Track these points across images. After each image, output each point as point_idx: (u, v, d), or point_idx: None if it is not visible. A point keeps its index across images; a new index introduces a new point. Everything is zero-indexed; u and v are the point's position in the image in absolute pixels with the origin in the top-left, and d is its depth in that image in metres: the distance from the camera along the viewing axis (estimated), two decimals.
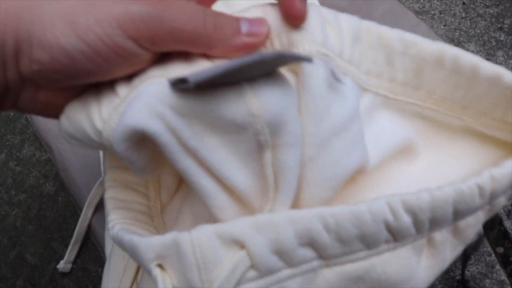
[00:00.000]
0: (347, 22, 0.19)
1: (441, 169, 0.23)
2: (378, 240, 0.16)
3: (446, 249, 0.21)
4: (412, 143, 0.23)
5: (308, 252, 0.15)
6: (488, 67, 0.20)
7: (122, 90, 0.16)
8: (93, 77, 0.15)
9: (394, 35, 0.20)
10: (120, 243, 0.17)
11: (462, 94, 0.22)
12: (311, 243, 0.15)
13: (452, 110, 0.23)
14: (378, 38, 0.20)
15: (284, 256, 0.15)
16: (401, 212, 0.16)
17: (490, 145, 0.23)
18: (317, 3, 0.36)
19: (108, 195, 0.22)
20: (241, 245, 0.14)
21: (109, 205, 0.21)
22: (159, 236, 0.15)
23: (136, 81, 0.16)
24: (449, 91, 0.22)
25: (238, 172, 0.16)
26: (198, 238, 0.14)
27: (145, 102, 0.15)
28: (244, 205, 0.17)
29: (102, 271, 0.36)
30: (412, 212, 0.16)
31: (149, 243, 0.15)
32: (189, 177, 0.16)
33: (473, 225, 0.21)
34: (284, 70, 0.16)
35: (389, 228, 0.16)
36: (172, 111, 0.15)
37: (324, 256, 0.16)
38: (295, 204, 0.18)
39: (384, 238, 0.16)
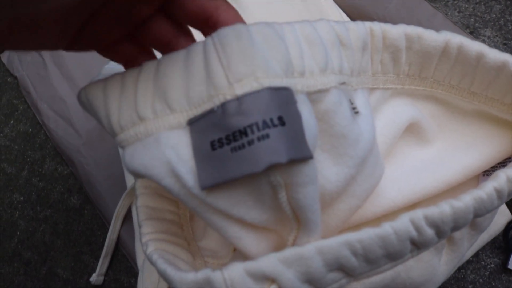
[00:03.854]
0: (356, 33, 0.21)
1: (456, 154, 0.25)
2: (403, 254, 0.17)
3: (464, 242, 0.23)
4: (424, 125, 0.25)
5: (337, 275, 0.17)
6: (494, 55, 0.22)
7: (147, 112, 0.17)
8: None
9: (398, 34, 0.22)
10: (153, 265, 0.19)
11: (469, 81, 0.23)
12: (340, 268, 0.16)
13: (462, 95, 0.24)
14: (382, 40, 0.22)
15: (314, 282, 0.16)
16: (425, 228, 0.17)
17: (505, 128, 0.24)
18: (332, 2, 0.38)
19: (140, 203, 0.24)
20: (272, 280, 0.16)
21: (141, 215, 0.24)
22: (193, 274, 0.16)
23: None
24: (456, 80, 0.24)
25: (251, 211, 0.17)
26: (230, 278, 0.15)
27: (155, 150, 0.16)
28: (263, 233, 0.19)
29: (134, 282, 0.40)
30: (435, 225, 0.17)
31: (183, 280, 0.16)
32: (198, 214, 0.17)
33: (489, 216, 0.23)
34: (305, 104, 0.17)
35: (414, 242, 0.17)
36: (177, 157, 0.16)
37: (352, 275, 0.17)
38: (327, 215, 0.20)
39: (409, 250, 0.17)
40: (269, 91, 0.15)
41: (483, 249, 0.36)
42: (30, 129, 0.48)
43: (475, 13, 0.40)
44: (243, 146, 0.15)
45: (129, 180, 0.38)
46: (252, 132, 0.15)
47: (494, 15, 0.39)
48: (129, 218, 0.39)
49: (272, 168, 0.15)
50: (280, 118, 0.15)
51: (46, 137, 0.47)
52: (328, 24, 0.19)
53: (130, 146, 0.17)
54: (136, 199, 0.24)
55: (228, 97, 0.15)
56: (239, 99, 0.15)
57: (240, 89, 0.15)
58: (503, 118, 0.24)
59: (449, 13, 0.41)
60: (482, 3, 0.40)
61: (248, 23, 0.17)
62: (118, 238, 0.39)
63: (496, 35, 0.39)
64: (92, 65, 0.45)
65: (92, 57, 0.46)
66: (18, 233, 0.46)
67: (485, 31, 0.39)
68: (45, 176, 0.46)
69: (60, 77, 0.46)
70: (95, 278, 0.38)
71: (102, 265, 0.39)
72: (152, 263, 0.19)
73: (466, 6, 0.40)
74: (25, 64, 0.48)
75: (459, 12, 0.40)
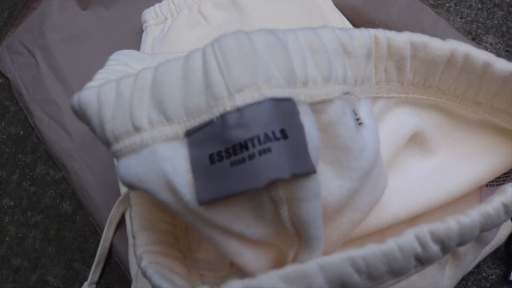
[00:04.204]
0: (360, 41, 0.20)
1: (460, 165, 0.25)
2: (407, 270, 0.17)
3: (468, 256, 0.23)
4: (428, 135, 0.25)
5: None
6: (501, 64, 0.21)
7: (142, 122, 0.16)
8: None
9: (403, 42, 0.21)
10: (147, 280, 0.19)
11: (475, 91, 0.23)
12: (342, 285, 0.16)
13: (466, 105, 0.24)
14: (387, 48, 0.21)
15: None
16: (430, 244, 0.17)
17: (510, 139, 0.24)
18: (330, 3, 0.38)
19: (134, 213, 0.23)
20: None
21: (135, 225, 0.23)
22: None
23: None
24: (462, 89, 0.23)
25: (251, 226, 0.17)
26: None
27: (151, 161, 0.16)
28: (263, 248, 0.18)
29: None
30: (440, 241, 0.17)
31: None
32: (195, 229, 0.17)
33: (494, 230, 0.23)
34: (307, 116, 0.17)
35: (418, 258, 0.17)
36: (174, 170, 0.15)
37: None
38: (329, 229, 0.19)
39: (413, 266, 0.17)
40: (271, 103, 0.15)
41: (484, 260, 0.35)
42: (21, 132, 0.47)
43: (477, 19, 0.40)
44: (243, 160, 0.14)
45: (123, 186, 0.38)
46: (253, 145, 0.14)
47: (497, 22, 0.39)
48: (123, 225, 0.38)
49: (274, 183, 0.15)
50: (282, 131, 0.15)
51: (38, 140, 0.46)
52: (332, 32, 0.18)
53: (125, 158, 0.16)
54: (130, 208, 0.23)
55: (228, 108, 0.15)
56: (239, 110, 0.15)
57: (241, 100, 0.15)
58: (508, 128, 0.24)
59: (451, 19, 0.40)
60: (485, 9, 0.39)
61: (249, 30, 0.16)
62: (111, 245, 0.39)
63: (499, 42, 0.39)
64: (86, 67, 0.45)
65: (87, 59, 0.45)
66: (7, 239, 0.45)
67: (487, 37, 0.39)
68: (37, 180, 0.46)
69: (53, 79, 0.45)
70: (86, 286, 0.38)
71: (94, 273, 0.38)
72: (147, 277, 0.19)
73: (468, 12, 0.40)
74: (17, 65, 0.47)
75: (461, 18, 0.40)
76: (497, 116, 0.23)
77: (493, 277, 0.35)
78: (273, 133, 0.14)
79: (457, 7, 0.40)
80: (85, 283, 0.38)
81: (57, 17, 0.47)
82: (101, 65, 0.23)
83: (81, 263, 0.41)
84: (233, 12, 0.39)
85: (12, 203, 0.46)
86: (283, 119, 0.15)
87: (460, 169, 0.25)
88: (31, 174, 0.46)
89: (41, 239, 0.44)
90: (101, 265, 0.38)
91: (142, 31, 0.42)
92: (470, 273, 0.36)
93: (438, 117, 0.25)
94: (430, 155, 0.25)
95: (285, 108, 0.15)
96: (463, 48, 0.21)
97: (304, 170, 0.15)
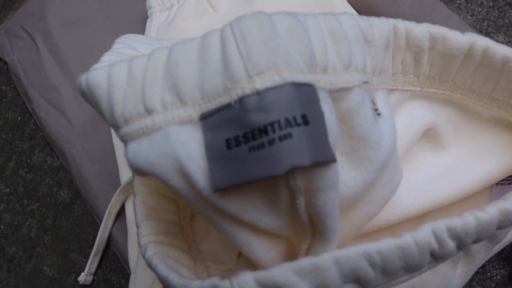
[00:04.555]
0: (380, 30, 0.20)
1: (472, 162, 0.24)
2: (421, 266, 0.16)
3: (481, 254, 0.22)
4: (441, 130, 0.24)
5: (351, 286, 0.16)
6: None
7: (155, 104, 0.15)
8: None
9: (422, 33, 0.21)
10: (153, 270, 0.18)
11: (492, 86, 0.22)
12: (356, 279, 0.15)
13: (482, 101, 0.23)
14: (406, 38, 0.21)
15: None
16: (446, 240, 0.16)
17: None
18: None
19: (138, 202, 0.23)
20: None
21: (139, 214, 0.22)
22: (199, 282, 0.15)
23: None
24: (478, 84, 0.23)
25: (265, 216, 0.16)
26: (240, 287, 0.14)
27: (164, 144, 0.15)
28: (275, 240, 0.18)
29: (125, 282, 0.38)
30: (457, 237, 0.16)
31: (187, 287, 0.15)
32: (206, 217, 0.16)
33: (507, 228, 0.22)
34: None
35: (433, 254, 0.16)
36: (187, 155, 0.15)
37: (367, 286, 0.16)
38: (342, 223, 0.19)
39: (427, 263, 0.17)
40: (292, 87, 0.14)
41: (489, 260, 0.35)
42: (19, 118, 0.46)
43: (488, 17, 0.39)
44: (262, 145, 0.14)
45: (124, 175, 0.37)
46: (274, 130, 0.14)
47: (508, 20, 0.39)
48: (123, 216, 0.37)
49: (293, 171, 0.14)
50: (303, 117, 0.14)
51: (36, 127, 0.46)
52: (352, 18, 0.18)
53: (134, 141, 0.16)
54: (134, 197, 0.23)
55: (247, 91, 0.14)
56: (259, 93, 0.14)
57: (261, 83, 0.14)
58: None
59: (462, 16, 0.40)
60: (496, 8, 0.39)
61: (269, 13, 0.16)
62: (110, 236, 0.38)
63: (510, 41, 0.38)
64: (88, 52, 0.44)
65: (89, 44, 0.44)
66: (2, 227, 0.44)
67: (498, 36, 0.39)
68: (34, 167, 0.45)
69: (53, 64, 0.44)
70: (83, 277, 0.37)
71: (91, 264, 0.37)
72: (152, 268, 0.18)
73: (480, 10, 0.40)
74: (17, 49, 0.46)
75: (472, 15, 0.40)
76: None
77: (498, 277, 0.35)
78: (294, 118, 0.14)
79: (468, 5, 0.40)
80: (82, 274, 0.37)
81: (58, 1, 0.46)
82: (103, 51, 0.22)
83: (78, 253, 0.41)
84: (241, 0, 0.38)
85: (7, 190, 0.45)
86: (304, 104, 0.14)
87: (472, 166, 0.24)
88: (28, 161, 0.45)
89: (37, 228, 0.43)
90: (99, 255, 0.38)
91: (146, 17, 0.41)
92: (475, 273, 0.35)
93: (452, 112, 0.25)
94: (443, 151, 0.25)
95: (306, 93, 0.15)
96: (482, 41, 0.21)
97: (325, 158, 0.14)
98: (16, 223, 0.44)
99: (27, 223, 0.43)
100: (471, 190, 0.24)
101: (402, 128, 0.23)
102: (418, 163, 0.25)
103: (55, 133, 0.42)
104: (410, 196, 0.23)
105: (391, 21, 0.20)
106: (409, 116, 0.23)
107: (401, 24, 0.20)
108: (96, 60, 0.20)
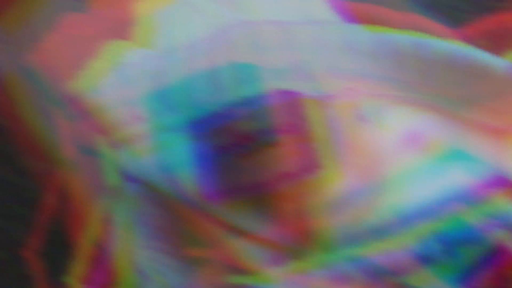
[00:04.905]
0: (365, 39, 0.20)
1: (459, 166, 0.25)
2: None
3: None
4: (427, 134, 0.25)
5: None
6: (501, 66, 0.21)
7: (144, 112, 0.16)
8: None
9: (406, 42, 0.21)
10: (147, 277, 0.18)
11: (472, 91, 0.23)
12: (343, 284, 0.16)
13: (462, 105, 0.24)
14: (391, 48, 0.21)
15: None
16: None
17: (505, 139, 0.24)
18: None
19: (130, 206, 0.23)
20: None
21: (126, 220, 0.22)
22: None
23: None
24: (459, 89, 0.23)
25: (253, 222, 0.17)
26: None
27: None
28: (263, 245, 0.18)
29: None
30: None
31: None
32: (195, 223, 0.17)
33: None
34: None
35: None
36: (177, 163, 0.16)
37: None
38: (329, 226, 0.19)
39: None
40: (279, 94, 0.15)
41: None
42: None
43: None
44: (251, 153, 0.14)
45: (110, 179, 0.37)
46: (263, 138, 0.14)
47: None
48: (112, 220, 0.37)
49: (282, 178, 0.14)
50: (292, 124, 0.14)
51: None
52: (339, 27, 0.18)
53: (123, 148, 0.16)
54: (120, 203, 0.23)
55: (235, 99, 0.15)
56: (247, 101, 0.14)
57: (249, 91, 0.14)
58: (503, 129, 0.24)
59: None
60: None
61: (258, 21, 0.16)
62: (99, 240, 0.38)
63: None
64: None
65: None
66: None
67: None
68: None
69: None
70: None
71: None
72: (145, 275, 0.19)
73: None
74: None
75: None
76: (494, 117, 0.23)
77: None
78: (282, 125, 0.14)
79: None
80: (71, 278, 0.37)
81: None
82: None
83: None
84: None
85: None
86: (291, 111, 0.15)
87: (459, 170, 0.25)
88: None
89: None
90: (88, 260, 0.37)
91: None
92: None
93: (434, 115, 0.25)
94: (430, 155, 0.25)
95: (292, 100, 0.15)
96: (463, 50, 0.21)
97: (312, 165, 0.15)
98: None
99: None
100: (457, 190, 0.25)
101: (387, 133, 0.23)
102: (404, 166, 0.25)
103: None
104: (399, 199, 0.23)
105: (378, 30, 0.21)
106: (395, 122, 0.23)
107: (387, 35, 0.21)
108: None
